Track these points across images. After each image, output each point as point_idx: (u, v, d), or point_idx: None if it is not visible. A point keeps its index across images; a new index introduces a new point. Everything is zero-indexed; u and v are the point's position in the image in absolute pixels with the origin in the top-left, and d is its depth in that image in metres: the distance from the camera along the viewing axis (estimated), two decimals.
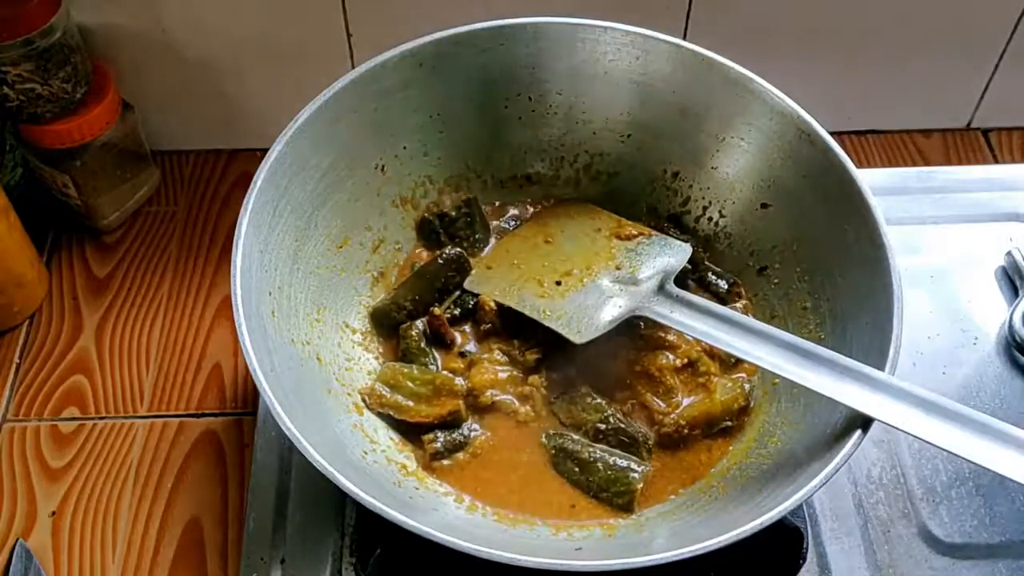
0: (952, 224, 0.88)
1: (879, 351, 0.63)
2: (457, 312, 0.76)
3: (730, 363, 0.74)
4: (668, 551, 0.55)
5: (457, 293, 0.77)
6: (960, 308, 0.82)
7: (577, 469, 0.69)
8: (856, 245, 0.69)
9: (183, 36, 0.86)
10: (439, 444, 0.69)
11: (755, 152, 0.76)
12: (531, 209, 0.83)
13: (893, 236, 0.67)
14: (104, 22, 0.85)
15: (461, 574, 0.61)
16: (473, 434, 0.70)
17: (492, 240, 0.81)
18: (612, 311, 0.72)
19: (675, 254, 0.76)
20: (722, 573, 0.65)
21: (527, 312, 0.73)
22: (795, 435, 0.67)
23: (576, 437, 0.70)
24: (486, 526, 0.66)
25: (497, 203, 0.83)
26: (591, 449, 0.69)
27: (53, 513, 0.74)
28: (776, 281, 0.76)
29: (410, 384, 0.71)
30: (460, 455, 0.70)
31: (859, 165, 0.75)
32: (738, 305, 0.77)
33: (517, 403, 0.72)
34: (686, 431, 0.70)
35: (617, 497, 0.68)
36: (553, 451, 0.70)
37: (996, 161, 0.99)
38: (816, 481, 0.57)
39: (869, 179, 0.70)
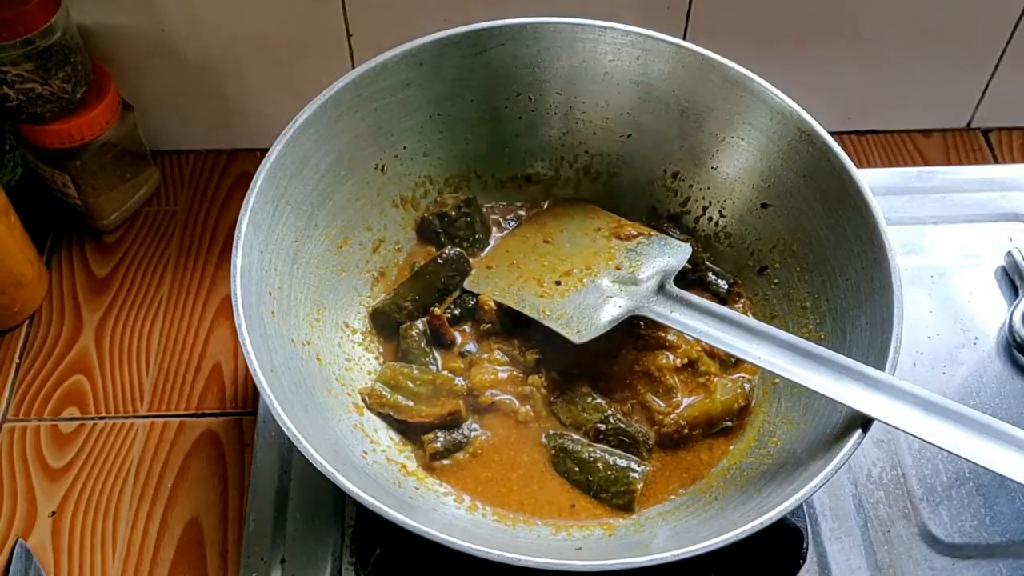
0: (952, 224, 0.88)
1: (879, 351, 0.63)
2: (457, 312, 0.76)
3: (730, 363, 0.74)
4: (668, 551, 0.55)
5: (457, 293, 0.77)
6: (960, 308, 0.82)
7: (577, 469, 0.69)
8: (856, 245, 0.69)
9: (183, 36, 0.86)
10: (439, 444, 0.69)
11: (755, 152, 0.76)
12: (531, 209, 0.83)
13: (893, 236, 0.67)
14: (104, 22, 0.85)
15: (461, 574, 0.61)
16: (473, 434, 0.70)
17: (492, 240, 0.81)
18: (612, 311, 0.72)
19: (675, 254, 0.76)
20: (722, 573, 0.65)
21: (527, 312, 0.74)
22: (795, 435, 0.67)
23: (576, 437, 0.71)
24: (486, 526, 0.66)
25: (497, 203, 0.83)
26: (591, 449, 0.69)
27: (53, 513, 0.74)
28: (776, 281, 0.76)
29: (410, 384, 0.71)
30: (460, 455, 0.70)
31: (859, 165, 0.75)
32: (738, 305, 0.77)
33: (517, 403, 0.72)
34: (686, 431, 0.70)
35: (617, 497, 0.68)
36: (553, 451, 0.70)
37: (996, 161, 0.99)
38: (816, 481, 0.57)
39: (869, 179, 0.70)
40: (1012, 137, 1.01)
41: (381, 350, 0.75)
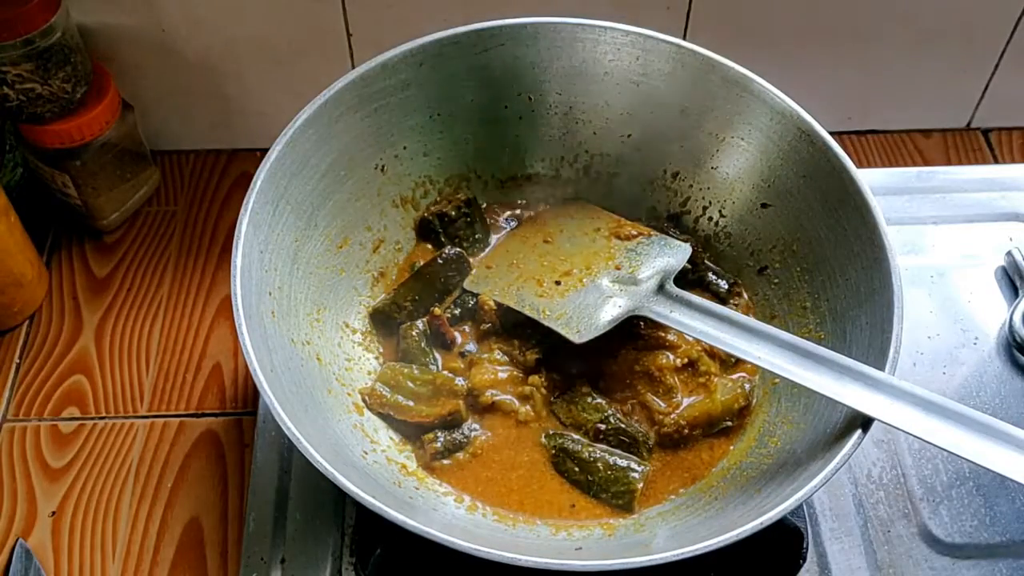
0: (952, 224, 0.88)
1: (879, 351, 0.63)
2: (457, 312, 0.76)
3: (730, 363, 0.74)
4: (668, 551, 0.55)
5: (457, 293, 0.77)
6: (960, 308, 0.82)
7: (577, 469, 0.69)
8: (856, 245, 0.69)
9: (183, 36, 0.86)
10: (439, 444, 0.69)
11: (755, 152, 0.76)
12: (531, 209, 0.83)
13: (893, 236, 0.67)
14: (104, 22, 0.85)
15: (461, 574, 0.61)
16: (473, 434, 0.70)
17: (492, 240, 0.81)
18: (612, 311, 0.72)
19: (675, 254, 0.76)
20: (722, 573, 0.65)
21: (526, 312, 0.73)
22: (795, 435, 0.67)
23: (576, 437, 0.71)
24: (486, 526, 0.66)
25: (497, 203, 0.83)
26: (591, 449, 0.69)
27: (53, 513, 0.74)
28: (776, 281, 0.76)
29: (410, 384, 0.71)
30: (460, 455, 0.70)
31: (859, 165, 0.75)
32: (738, 305, 0.77)
33: (517, 403, 0.72)
34: (686, 431, 0.70)
35: (617, 497, 0.68)
36: (553, 451, 0.70)
37: (996, 161, 0.99)
38: (816, 481, 0.57)
39: (869, 179, 0.70)
40: (1012, 137, 1.01)
41: (381, 350, 0.75)
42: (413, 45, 0.73)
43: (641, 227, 0.79)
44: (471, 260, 0.79)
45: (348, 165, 0.74)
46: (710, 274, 0.78)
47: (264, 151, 0.68)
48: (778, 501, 0.57)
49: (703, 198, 0.80)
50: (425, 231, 0.80)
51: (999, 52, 0.94)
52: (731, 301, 0.77)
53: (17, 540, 0.71)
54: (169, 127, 0.94)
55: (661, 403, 0.72)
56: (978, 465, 0.58)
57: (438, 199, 0.80)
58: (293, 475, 0.72)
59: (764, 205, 0.76)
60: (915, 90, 0.97)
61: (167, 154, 0.96)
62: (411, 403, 0.71)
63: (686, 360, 0.73)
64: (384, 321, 0.76)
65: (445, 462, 0.69)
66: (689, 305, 0.70)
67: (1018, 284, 0.83)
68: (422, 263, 0.78)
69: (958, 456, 0.58)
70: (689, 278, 0.78)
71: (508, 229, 0.82)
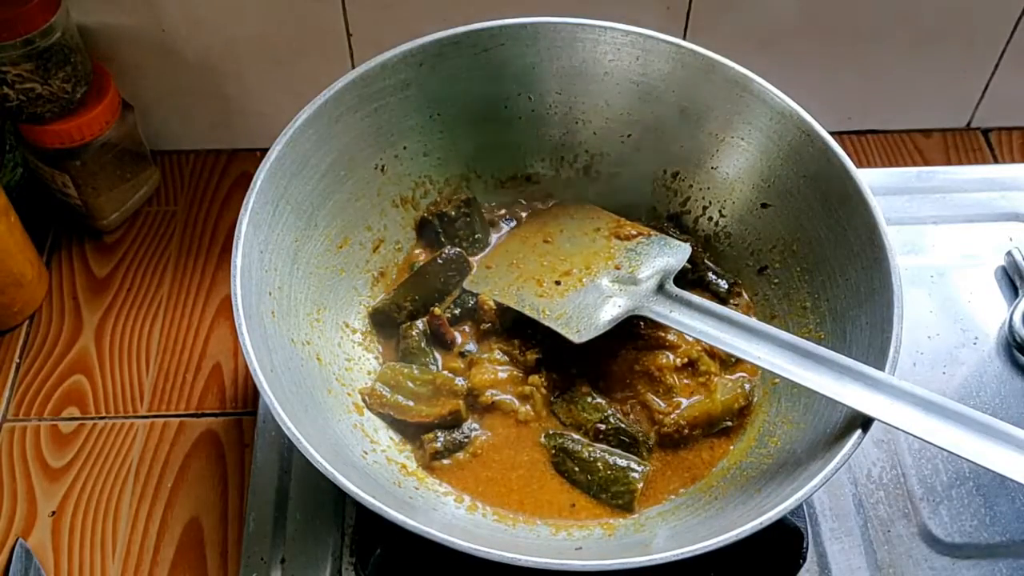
0: (952, 224, 0.88)
1: (879, 351, 0.63)
2: (457, 312, 0.76)
3: (730, 363, 0.74)
4: (668, 551, 0.55)
5: (457, 293, 0.77)
6: (960, 308, 0.82)
7: (577, 469, 0.69)
8: (856, 245, 0.69)
9: (183, 36, 0.86)
10: (439, 444, 0.69)
11: (755, 152, 0.76)
12: (531, 209, 0.83)
13: (893, 236, 0.67)
14: (104, 22, 0.85)
15: (461, 574, 0.61)
16: (473, 434, 0.70)
17: (492, 240, 0.81)
18: (611, 311, 0.72)
19: (674, 254, 0.76)
20: (722, 573, 0.65)
21: (526, 312, 0.73)
22: (795, 435, 0.67)
23: (576, 437, 0.71)
24: (486, 526, 0.66)
25: (497, 203, 0.83)
26: (591, 449, 0.69)
27: (53, 513, 0.74)
28: (776, 281, 0.76)
29: (410, 384, 0.71)
30: (460, 455, 0.70)
31: (859, 165, 0.75)
32: (738, 305, 0.77)
33: (517, 403, 0.72)
34: (686, 431, 0.70)
35: (617, 497, 0.68)
36: (553, 451, 0.70)
37: (996, 161, 0.99)
38: (816, 481, 0.57)
39: (869, 179, 0.70)
40: (1012, 137, 1.01)
41: (381, 350, 0.75)
42: (413, 45, 0.73)
43: (641, 227, 0.79)
44: (471, 260, 0.79)
45: (348, 165, 0.74)
46: (710, 274, 0.78)
47: (264, 151, 0.68)
48: (778, 501, 0.57)
49: (703, 198, 0.80)
50: (425, 231, 0.80)
51: (999, 52, 0.94)
52: (731, 301, 0.77)
53: (17, 540, 0.71)
54: (169, 127, 0.94)
55: (661, 403, 0.72)
56: (978, 465, 0.58)
57: (438, 199, 0.80)
58: (293, 475, 0.72)
59: (764, 205, 0.76)
60: (915, 90, 0.97)
61: (167, 154, 0.96)
62: (411, 403, 0.71)
63: (686, 360, 0.73)
64: (384, 321, 0.76)
65: (445, 462, 0.69)
66: (689, 305, 0.70)
67: (1018, 284, 0.83)
68: (422, 263, 0.78)
69: (958, 456, 0.58)
70: (689, 278, 0.78)
71: (508, 229, 0.82)
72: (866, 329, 0.66)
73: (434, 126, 0.78)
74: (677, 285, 0.73)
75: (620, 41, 0.75)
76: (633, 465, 0.69)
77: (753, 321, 0.68)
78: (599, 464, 0.69)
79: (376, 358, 0.75)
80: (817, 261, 0.73)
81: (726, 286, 0.78)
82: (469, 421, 0.71)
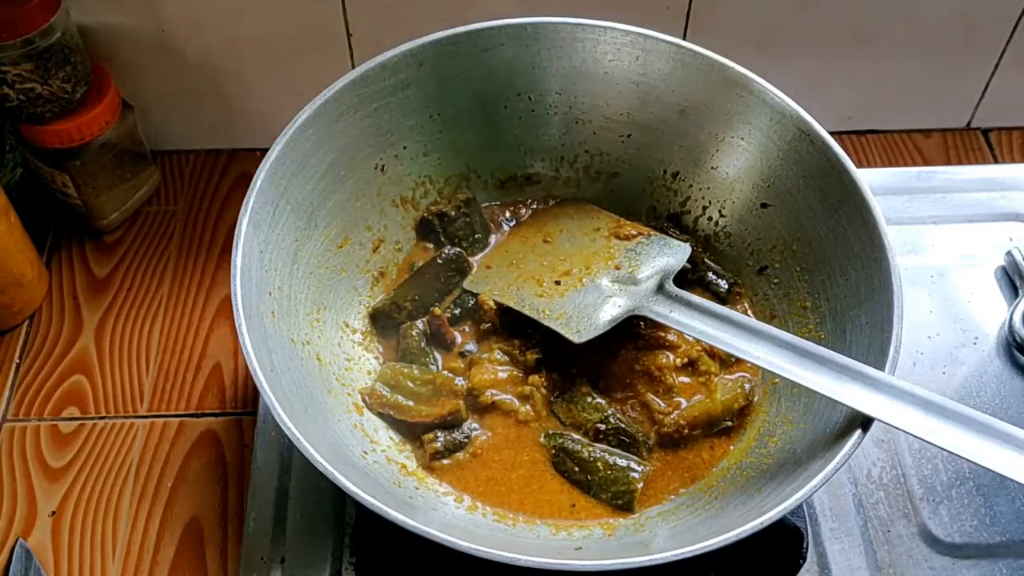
0: (952, 224, 0.88)
1: (879, 351, 0.63)
2: (457, 312, 0.76)
3: (730, 362, 0.74)
4: (668, 551, 0.55)
5: (457, 293, 0.77)
6: (960, 308, 0.82)
7: (577, 469, 0.69)
8: (856, 245, 0.69)
9: (183, 36, 0.86)
10: (439, 444, 0.69)
11: (755, 152, 0.76)
12: (531, 209, 0.83)
13: (893, 236, 0.67)
14: (104, 22, 0.85)
15: (461, 574, 0.61)
16: (473, 434, 0.70)
17: (492, 240, 0.81)
18: (611, 311, 0.72)
19: (674, 254, 0.76)
20: (722, 573, 0.65)
21: (526, 312, 0.73)
22: (795, 435, 0.67)
23: (576, 437, 0.71)
24: (486, 526, 0.66)
25: (497, 203, 0.83)
26: (591, 449, 0.69)
27: (53, 513, 0.74)
28: (776, 281, 0.76)
29: (410, 384, 0.71)
30: (460, 455, 0.70)
31: (859, 165, 0.75)
32: (738, 305, 0.77)
33: (517, 403, 0.72)
34: (686, 431, 0.70)
35: (617, 497, 0.68)
36: (553, 451, 0.70)
37: (996, 161, 0.99)
38: (816, 481, 0.57)
39: (869, 179, 0.70)
40: (1012, 137, 1.01)
41: (381, 350, 0.75)
42: (413, 45, 0.73)
43: (641, 227, 0.79)
44: (471, 260, 0.79)
45: (348, 165, 0.74)
46: (710, 274, 0.78)
47: (264, 151, 0.68)
48: (778, 501, 0.57)
49: (703, 198, 0.80)
50: (425, 231, 0.80)
51: (999, 52, 0.94)
52: (731, 301, 0.77)
53: (17, 540, 0.71)
54: (169, 127, 0.94)
55: (661, 403, 0.72)
56: (978, 465, 0.58)
57: (438, 199, 0.80)
58: (293, 475, 0.72)
59: (764, 205, 0.76)
60: (915, 90, 0.97)
61: (167, 154, 0.96)
62: (411, 403, 0.71)
63: (686, 360, 0.73)
64: (384, 321, 0.76)
65: (445, 462, 0.69)
66: (689, 305, 0.70)
67: (1018, 284, 0.83)
68: (422, 263, 0.78)
69: (958, 456, 0.58)
70: (689, 278, 0.78)
71: (508, 229, 0.82)
72: (866, 329, 0.66)
73: (434, 126, 0.78)
74: (677, 285, 0.73)
75: (620, 41, 0.75)
76: (633, 465, 0.69)
77: (753, 321, 0.68)
78: (599, 464, 0.69)
79: (376, 358, 0.75)
80: (817, 261, 0.73)
81: (726, 286, 0.78)
82: (469, 421, 0.71)
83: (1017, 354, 0.79)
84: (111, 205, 0.89)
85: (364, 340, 0.75)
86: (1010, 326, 0.80)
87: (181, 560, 0.71)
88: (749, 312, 0.77)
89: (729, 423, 0.72)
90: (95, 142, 0.83)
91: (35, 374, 0.81)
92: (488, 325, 0.75)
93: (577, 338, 0.71)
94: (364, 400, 0.71)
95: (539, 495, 0.68)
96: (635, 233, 0.78)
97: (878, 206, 0.68)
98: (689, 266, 0.77)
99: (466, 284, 0.77)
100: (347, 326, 0.74)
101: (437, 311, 0.75)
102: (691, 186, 0.80)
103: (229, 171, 0.96)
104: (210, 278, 0.88)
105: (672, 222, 0.81)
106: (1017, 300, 0.81)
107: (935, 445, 0.59)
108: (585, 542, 0.65)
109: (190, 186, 0.94)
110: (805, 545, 0.68)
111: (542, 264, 0.77)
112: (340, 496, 0.70)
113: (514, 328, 0.75)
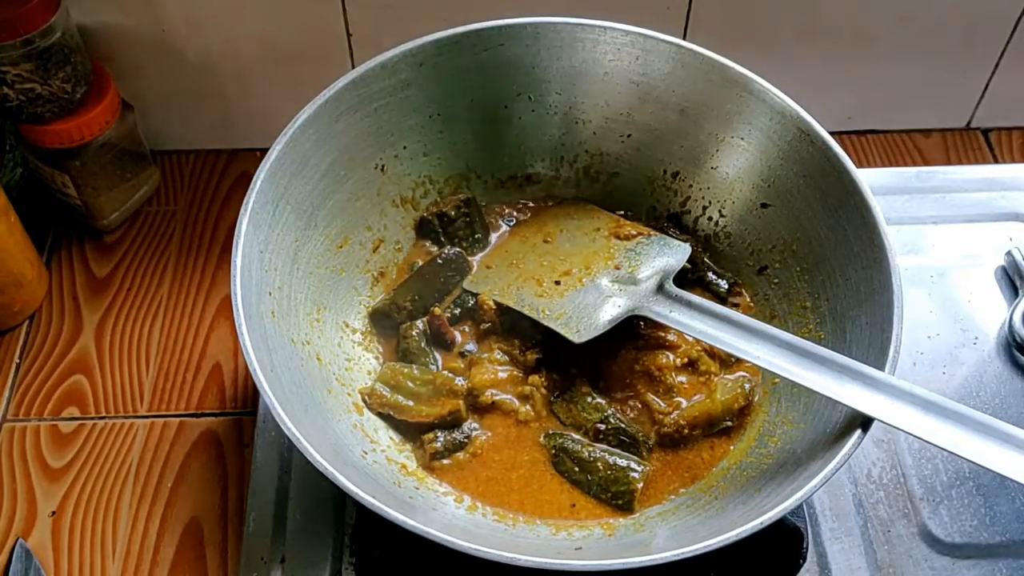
0: (952, 224, 0.88)
1: (879, 351, 0.63)
2: (457, 312, 0.76)
3: (730, 362, 0.74)
4: (668, 551, 0.55)
5: (457, 293, 0.77)
6: (960, 308, 0.82)
7: (577, 469, 0.69)
8: (856, 245, 0.69)
9: (183, 36, 0.86)
10: (439, 444, 0.69)
11: (755, 152, 0.76)
12: (531, 209, 0.83)
13: (893, 236, 0.67)
14: (104, 22, 0.85)
15: (461, 574, 0.61)
16: (473, 434, 0.70)
17: (492, 240, 0.81)
18: (611, 311, 0.72)
19: (674, 254, 0.76)
20: (722, 573, 0.65)
21: (526, 311, 0.74)
22: (795, 435, 0.67)
23: (576, 437, 0.71)
24: (486, 526, 0.66)
25: (497, 203, 0.83)
26: (591, 449, 0.69)
27: (53, 513, 0.74)
28: (776, 281, 0.76)
29: (410, 384, 0.71)
30: (460, 455, 0.70)
31: (859, 165, 0.75)
32: (738, 305, 0.77)
33: (517, 403, 0.72)
34: (686, 431, 0.70)
35: (617, 497, 0.68)
36: (553, 451, 0.70)
37: (996, 161, 0.99)
38: (816, 481, 0.57)
39: (869, 179, 0.70)
40: (1012, 137, 1.01)
41: (381, 350, 0.75)
42: (413, 45, 0.73)
43: (641, 227, 0.79)
44: (471, 260, 0.79)
45: (348, 165, 0.74)
46: (710, 274, 0.78)
47: (264, 151, 0.68)
48: (778, 501, 0.57)
49: (703, 198, 0.80)
50: (425, 231, 0.80)
51: (999, 52, 0.94)
52: (731, 301, 0.77)
53: (17, 540, 0.71)
54: (169, 127, 0.94)
55: (661, 403, 0.72)
56: (978, 465, 0.58)
57: (438, 199, 0.80)
58: (293, 475, 0.72)
59: (764, 205, 0.76)
60: (915, 90, 0.97)
61: (167, 154, 0.96)
62: (411, 403, 0.71)
63: (686, 360, 0.73)
64: (384, 321, 0.76)
65: (445, 462, 0.69)
66: (689, 305, 0.70)
67: (1018, 284, 0.83)
68: (422, 263, 0.78)
69: (958, 456, 0.58)
70: (689, 278, 0.78)
71: (508, 229, 0.82)
72: (866, 329, 0.66)
73: (434, 126, 0.78)
74: (677, 285, 0.73)
75: (620, 41, 0.75)
76: (633, 465, 0.69)
77: (753, 321, 0.68)
78: (599, 464, 0.69)
79: (376, 358, 0.75)
80: (817, 261, 0.73)
81: (726, 286, 0.78)
82: (469, 421, 0.71)
83: (1017, 354, 0.79)
84: (111, 205, 0.89)
85: (364, 340, 0.75)
86: (1010, 326, 0.80)
87: (181, 560, 0.71)
88: (749, 312, 0.77)
89: (729, 423, 0.72)
90: (95, 142, 0.83)
91: (35, 374, 0.81)
92: (488, 325, 0.75)
93: (577, 338, 0.71)
94: (364, 400, 0.71)
95: (539, 495, 0.68)
96: (635, 233, 0.78)
97: (878, 206, 0.68)
98: (689, 266, 0.77)
99: (466, 284, 0.77)
100: (347, 326, 0.74)
101: (437, 311, 0.75)
102: (691, 186, 0.80)
103: (229, 171, 0.96)
104: (210, 278, 0.88)
105: (672, 222, 0.81)
106: (1017, 300, 0.81)
107: (935, 445, 0.59)
108: (585, 542, 0.65)
109: (190, 186, 0.94)
110: (805, 545, 0.68)
111: (542, 264, 0.77)
112: (340, 496, 0.70)
113: (514, 328, 0.75)
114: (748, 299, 0.78)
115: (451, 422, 0.70)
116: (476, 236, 0.80)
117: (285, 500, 0.71)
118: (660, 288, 0.72)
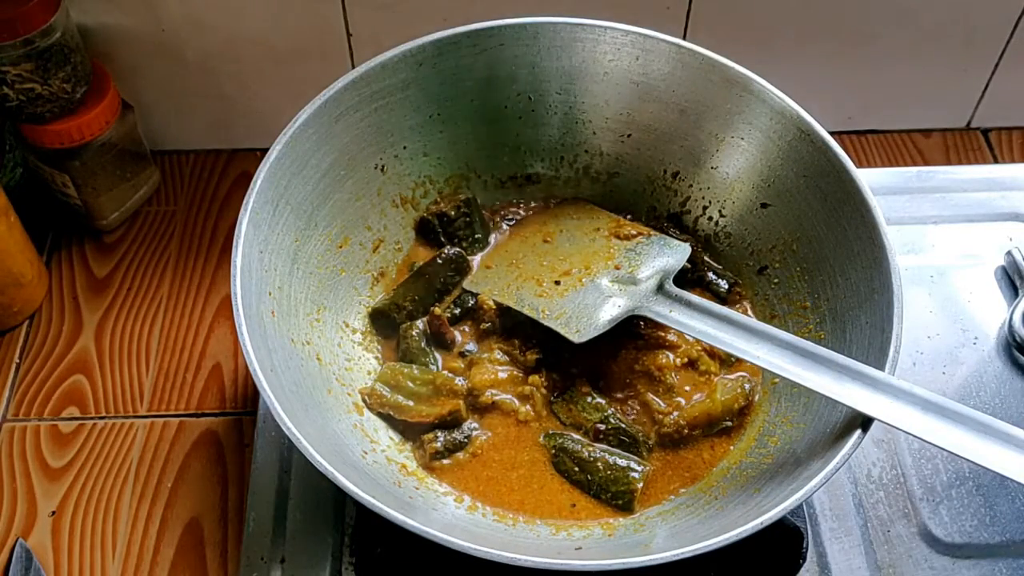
0: (952, 224, 0.88)
1: (879, 351, 0.63)
2: (457, 312, 0.76)
3: (730, 362, 0.74)
4: (668, 551, 0.55)
5: (457, 293, 0.77)
6: (960, 308, 0.82)
7: (577, 468, 0.69)
8: (856, 245, 0.69)
9: (183, 36, 0.86)
10: (439, 444, 0.69)
11: (755, 152, 0.76)
12: (531, 209, 0.83)
13: (893, 236, 0.67)
14: (104, 22, 0.85)
15: (461, 574, 0.61)
16: (473, 434, 0.70)
17: (492, 240, 0.81)
18: (611, 311, 0.72)
19: (674, 254, 0.76)
20: (722, 573, 0.65)
21: (526, 311, 0.74)
22: (795, 435, 0.67)
23: (576, 437, 0.71)
24: (486, 526, 0.66)
25: (497, 203, 0.83)
26: (591, 449, 0.69)
27: (53, 513, 0.74)
28: (776, 281, 0.76)
29: (410, 384, 0.71)
30: (460, 455, 0.70)
31: (859, 165, 0.75)
32: (738, 305, 0.77)
33: (517, 403, 0.72)
34: (686, 431, 0.70)
35: (617, 497, 0.68)
36: (553, 451, 0.70)
37: (996, 161, 0.99)
38: (816, 481, 0.57)
39: (869, 179, 0.70)
40: (1012, 137, 1.01)
41: (381, 350, 0.75)
42: (413, 45, 0.73)
43: (641, 227, 0.79)
44: (471, 260, 0.79)
45: (348, 165, 0.74)
46: (710, 274, 0.78)
47: (264, 151, 0.68)
48: (778, 501, 0.57)
49: (703, 198, 0.80)
50: (425, 231, 0.80)
51: (999, 52, 0.94)
52: (731, 301, 0.77)
53: (17, 540, 0.71)
54: (169, 127, 0.94)
55: (661, 403, 0.72)
56: (978, 465, 0.58)
57: (438, 199, 0.80)
58: (293, 475, 0.72)
59: (764, 205, 0.76)
60: (915, 90, 0.97)
61: (167, 154, 0.96)
62: (411, 403, 0.71)
63: (686, 360, 0.73)
64: (384, 321, 0.76)
65: (445, 462, 0.69)
66: (689, 305, 0.70)
67: (1018, 284, 0.83)
68: (422, 263, 0.78)
69: (958, 456, 0.58)
70: (689, 278, 0.78)
71: (508, 229, 0.82)
72: (866, 329, 0.66)
73: (434, 126, 0.78)
74: (677, 285, 0.73)
75: (620, 41, 0.75)
76: (633, 465, 0.69)
77: (753, 321, 0.68)
78: (599, 464, 0.69)
79: (376, 358, 0.75)
80: (817, 261, 0.73)
81: (726, 286, 0.78)
82: (469, 421, 0.71)
83: (1017, 354, 0.79)
84: (111, 205, 0.89)
85: (364, 340, 0.75)
86: (1010, 326, 0.80)
87: (181, 560, 0.72)
88: (749, 312, 0.77)
89: (729, 423, 0.72)
90: (95, 142, 0.83)
91: (35, 374, 0.81)
92: (488, 325, 0.75)
93: (577, 338, 0.71)
94: (364, 400, 0.71)
95: (539, 495, 0.68)
96: (635, 233, 0.78)
97: (878, 206, 0.68)
98: (689, 266, 0.77)
99: (466, 284, 0.77)
100: (347, 326, 0.74)
101: (437, 311, 0.75)
102: (691, 186, 0.80)
103: (229, 171, 0.96)
104: (210, 278, 0.88)
105: (672, 222, 0.81)
106: (1017, 300, 0.81)
107: (935, 445, 0.59)
108: (585, 542, 0.65)
109: (190, 186, 0.94)
110: (805, 545, 0.68)
111: (542, 264, 0.77)
112: (340, 496, 0.70)
113: (514, 328, 0.75)
114: (748, 299, 0.78)
115: (451, 422, 0.70)
116: (476, 236, 0.80)
117: (285, 500, 0.71)
118: (660, 288, 0.72)
